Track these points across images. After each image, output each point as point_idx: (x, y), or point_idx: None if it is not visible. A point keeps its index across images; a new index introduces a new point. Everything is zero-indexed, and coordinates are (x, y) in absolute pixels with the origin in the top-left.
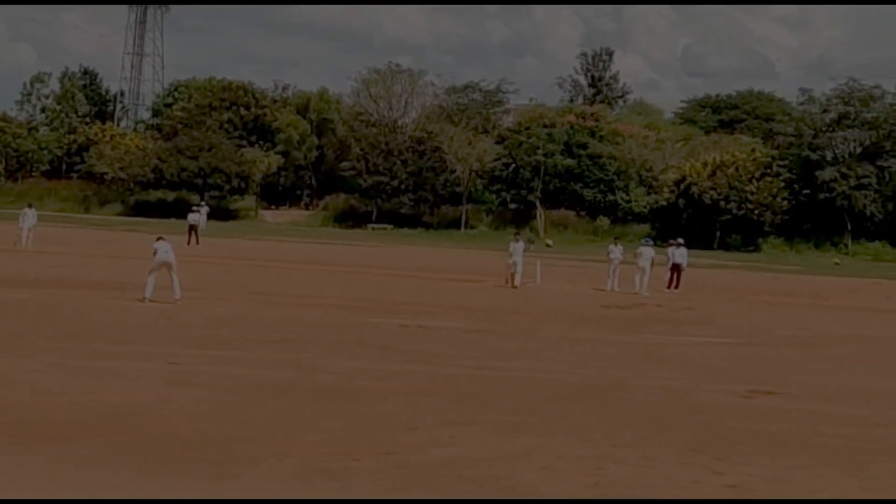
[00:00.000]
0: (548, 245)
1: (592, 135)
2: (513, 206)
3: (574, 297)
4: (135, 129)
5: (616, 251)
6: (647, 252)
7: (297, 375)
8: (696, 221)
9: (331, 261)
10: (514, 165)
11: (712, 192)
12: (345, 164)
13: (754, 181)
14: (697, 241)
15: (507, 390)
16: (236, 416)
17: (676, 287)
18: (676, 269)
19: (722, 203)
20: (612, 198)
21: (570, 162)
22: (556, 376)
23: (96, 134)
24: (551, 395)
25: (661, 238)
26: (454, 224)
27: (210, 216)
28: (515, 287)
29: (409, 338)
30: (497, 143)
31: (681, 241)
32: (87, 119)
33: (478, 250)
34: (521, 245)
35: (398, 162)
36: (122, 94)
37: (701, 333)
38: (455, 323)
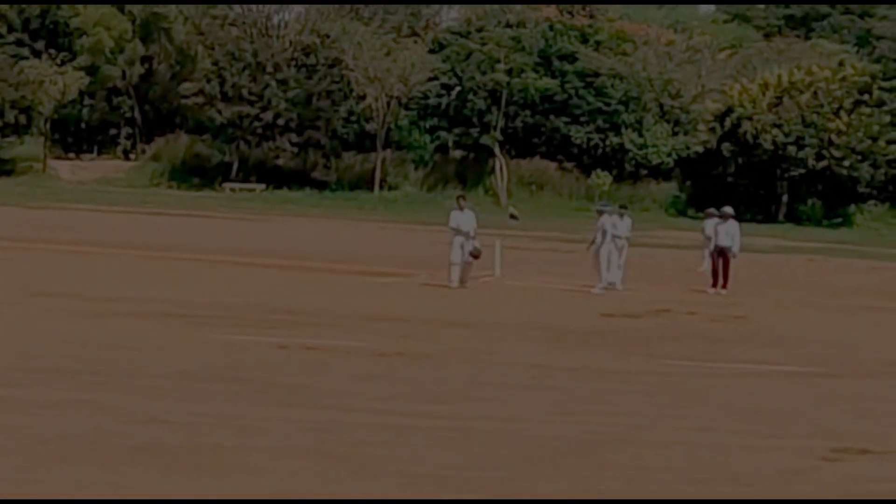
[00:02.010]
0: (513, 217)
1: (584, 39)
2: (457, 153)
3: (555, 298)
4: None
5: (622, 225)
6: (613, 224)
7: (109, 427)
8: (750, 178)
9: (166, 243)
10: (458, 88)
11: (776, 131)
12: (187, 88)
13: (843, 114)
14: (754, 210)
15: (441, 451)
16: (12, 490)
17: (724, 285)
18: (722, 255)
19: (791, 149)
20: (616, 140)
21: (548, 83)
22: (520, 427)
23: None
24: (510, 458)
25: (696, 205)
26: (363, 183)
27: None
28: (463, 285)
29: (291, 366)
30: (432, 52)
31: (728, 210)
32: None
33: (401, 225)
34: (470, 216)
35: (273, 83)
36: None
37: (755, 357)
38: (363, 342)
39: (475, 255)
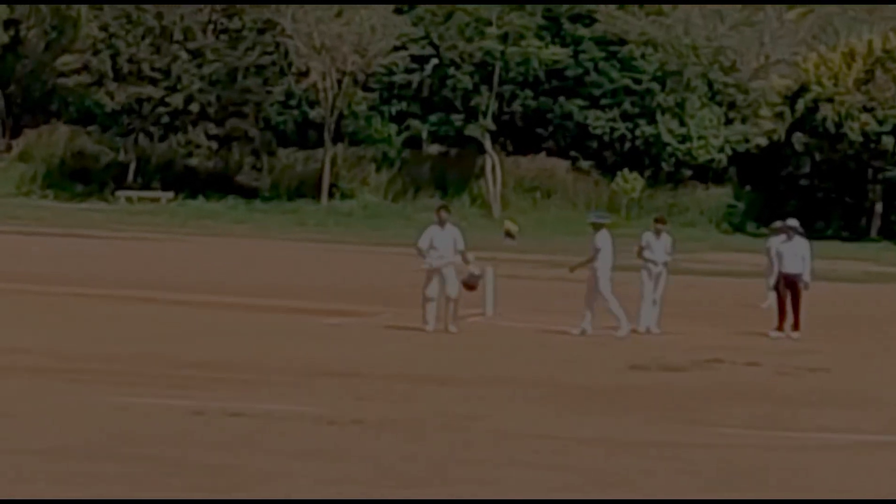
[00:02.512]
0: (509, 234)
1: None
2: (434, 148)
3: (566, 345)
4: None
5: (658, 246)
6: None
7: None
8: (832, 181)
9: (41, 272)
10: (435, 61)
11: (866, 116)
12: (67, 62)
13: None
14: (837, 224)
15: None
16: None
17: (795, 326)
18: (790, 285)
19: (887, 141)
20: (649, 130)
21: (557, 53)
22: None
23: None
24: None
25: (759, 218)
26: (307, 190)
27: None
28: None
29: (210, 439)
30: (399, 12)
31: (793, 223)
32: None
33: (357, 246)
34: (451, 234)
35: (184, 55)
36: None
37: (839, 423)
38: (306, 405)
39: (469, 284)
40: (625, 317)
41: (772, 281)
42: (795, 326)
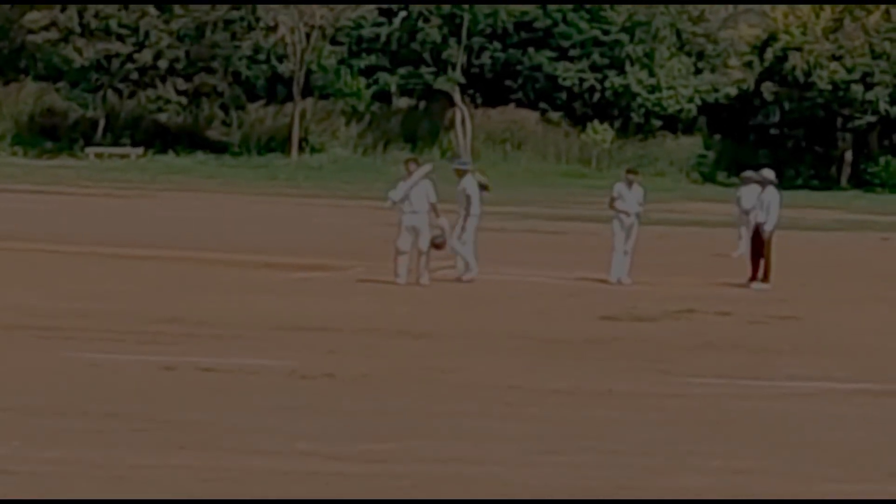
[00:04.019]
0: (483, 187)
1: None
2: (403, 101)
3: (538, 297)
4: None
5: (630, 197)
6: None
7: None
8: (801, 130)
9: (9, 229)
10: (403, 14)
11: (835, 65)
12: (35, 19)
13: None
14: (807, 172)
15: None
16: None
17: (765, 276)
18: (756, 236)
19: (856, 90)
20: (618, 81)
21: (525, 5)
22: (491, 472)
23: None
24: None
25: (729, 168)
26: (276, 144)
27: None
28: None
29: (181, 395)
30: None
31: (767, 174)
32: None
33: (328, 200)
34: (423, 187)
35: (152, 11)
36: None
37: (810, 372)
38: (278, 360)
39: (437, 244)
40: (476, 264)
41: (744, 230)
42: (764, 277)
